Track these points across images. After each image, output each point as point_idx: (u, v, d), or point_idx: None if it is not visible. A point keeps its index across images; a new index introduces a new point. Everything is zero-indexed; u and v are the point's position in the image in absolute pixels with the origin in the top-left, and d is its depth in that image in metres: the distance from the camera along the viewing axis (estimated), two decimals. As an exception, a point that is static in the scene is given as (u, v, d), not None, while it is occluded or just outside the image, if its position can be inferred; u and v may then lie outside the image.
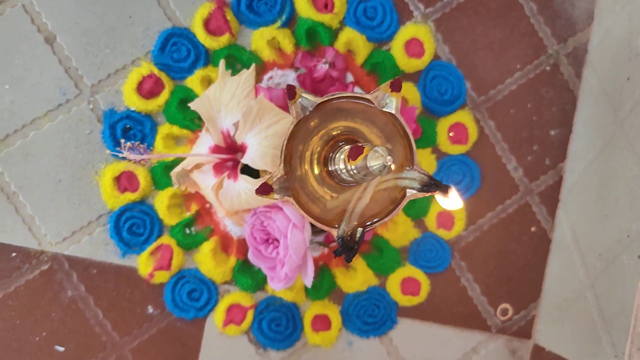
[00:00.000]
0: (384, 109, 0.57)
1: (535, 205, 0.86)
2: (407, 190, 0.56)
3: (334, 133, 0.58)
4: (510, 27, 0.84)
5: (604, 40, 0.84)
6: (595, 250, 0.77)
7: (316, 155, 0.57)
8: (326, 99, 0.56)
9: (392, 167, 0.48)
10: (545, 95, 0.85)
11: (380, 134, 0.58)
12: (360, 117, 0.58)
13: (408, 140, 0.57)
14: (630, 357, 0.69)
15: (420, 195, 0.56)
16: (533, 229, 0.86)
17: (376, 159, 0.46)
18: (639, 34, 0.76)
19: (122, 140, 0.69)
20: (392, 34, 0.82)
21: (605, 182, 0.78)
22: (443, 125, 0.83)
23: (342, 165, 0.54)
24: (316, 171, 0.57)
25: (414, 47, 0.82)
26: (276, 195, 0.56)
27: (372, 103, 0.57)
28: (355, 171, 0.51)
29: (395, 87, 0.56)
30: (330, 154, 0.57)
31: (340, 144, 0.57)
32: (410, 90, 0.82)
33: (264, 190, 0.56)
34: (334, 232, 0.56)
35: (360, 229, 0.56)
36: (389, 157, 0.46)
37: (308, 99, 0.56)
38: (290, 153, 0.57)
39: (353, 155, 0.50)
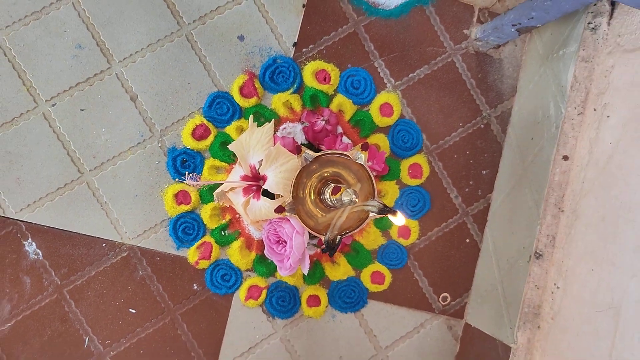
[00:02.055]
0: (357, 161, 0.91)
1: (469, 224, 1.19)
2: (370, 212, 0.90)
3: (326, 174, 0.92)
4: (456, 96, 1.18)
5: (521, 108, 1.18)
6: (505, 256, 1.11)
7: (313, 188, 0.91)
8: (320, 154, 0.90)
9: (357, 201, 0.82)
10: (480, 146, 1.19)
11: (354, 177, 0.92)
12: (342, 165, 0.92)
13: (371, 181, 0.91)
14: (519, 328, 1.02)
15: (378, 216, 0.90)
16: (467, 240, 1.19)
17: (347, 195, 0.80)
18: (540, 108, 1.10)
19: (187, 172, 1.03)
20: (371, 99, 1.15)
21: (514, 209, 1.11)
22: (405, 165, 1.17)
23: (328, 196, 0.88)
24: (312, 198, 0.91)
25: (386, 109, 1.16)
26: (287, 213, 0.90)
27: (350, 157, 0.91)
28: (335, 201, 0.85)
29: (364, 148, 0.91)
30: (322, 188, 0.91)
31: (329, 182, 0.91)
32: (382, 140, 1.16)
33: (280, 210, 0.90)
34: (323, 238, 0.90)
35: (339, 236, 0.90)
36: (354, 196, 0.80)
37: (309, 154, 0.90)
38: (297, 186, 0.90)
39: (334, 191, 0.84)
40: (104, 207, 1.08)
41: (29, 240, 1.06)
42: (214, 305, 1.12)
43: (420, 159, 1.17)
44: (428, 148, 1.18)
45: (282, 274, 1.09)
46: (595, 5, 1.01)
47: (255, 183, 1.07)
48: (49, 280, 1.06)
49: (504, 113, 1.20)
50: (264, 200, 1.04)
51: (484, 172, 1.19)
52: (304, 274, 1.13)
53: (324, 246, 0.93)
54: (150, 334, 1.10)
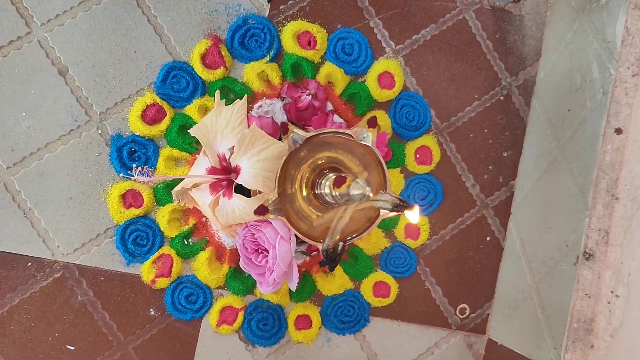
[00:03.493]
0: (362, 142, 0.68)
1: (490, 218, 0.97)
2: (381, 210, 0.67)
3: (320, 162, 0.68)
4: (469, 62, 0.96)
5: (549, 75, 0.96)
6: (540, 257, 0.89)
7: (305, 181, 0.68)
8: (314, 134, 0.67)
9: (370, 195, 0.59)
10: (500, 122, 0.97)
11: (358, 163, 0.69)
12: (342, 149, 0.69)
13: (382, 168, 0.68)
14: (567, 348, 0.81)
15: (392, 214, 0.67)
16: (488, 238, 0.98)
17: (357, 189, 0.57)
18: (578, 71, 0.89)
19: (134, 165, 0.79)
20: (367, 68, 0.92)
21: (549, 198, 0.90)
22: (410, 148, 0.94)
23: (327, 190, 0.65)
24: (304, 193, 0.68)
25: (385, 80, 0.93)
26: (271, 216, 0.66)
27: (352, 137, 0.68)
28: (339, 196, 0.62)
29: (372, 124, 0.67)
30: (317, 180, 0.68)
31: (325, 171, 0.68)
32: (382, 117, 0.93)
33: (261, 211, 0.66)
34: (319, 246, 0.67)
35: (341, 243, 0.67)
36: (367, 188, 0.57)
37: (298, 134, 0.66)
38: (284, 177, 0.67)
39: (337, 183, 0.61)
40: (27, 214, 0.83)
41: None
42: (177, 334, 0.88)
43: (429, 140, 0.94)
44: (438, 127, 0.95)
45: (263, 291, 0.85)
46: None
47: (226, 177, 0.83)
48: (-43, 313, 0.81)
49: (527, 81, 0.98)
50: (238, 198, 0.81)
51: (505, 154, 0.97)
52: (290, 290, 0.90)
53: (318, 254, 0.70)
54: (96, 376, 0.85)
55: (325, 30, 0.91)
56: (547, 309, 0.85)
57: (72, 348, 0.84)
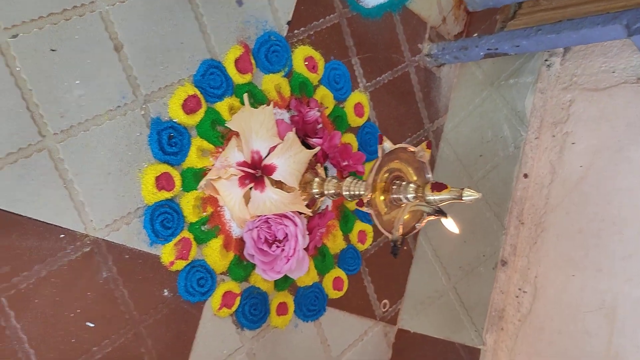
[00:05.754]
0: (419, 159, 0.87)
1: (408, 231, 1.22)
2: (425, 213, 0.87)
3: (388, 168, 0.85)
4: (407, 106, 1.21)
5: (457, 126, 1.26)
6: (455, 264, 1.17)
7: (382, 183, 0.84)
8: (397, 146, 0.84)
9: (445, 197, 0.79)
10: (422, 156, 1.23)
11: (414, 172, 0.87)
12: (404, 161, 0.87)
13: (426, 180, 0.88)
14: (487, 330, 1.09)
15: (432, 218, 0.87)
16: (405, 247, 1.22)
17: (469, 196, 0.77)
18: (489, 128, 1.20)
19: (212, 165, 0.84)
20: (346, 97, 1.11)
21: (464, 220, 1.19)
22: (367, 168, 1.14)
23: (411, 195, 0.82)
24: (382, 197, 0.84)
25: (359, 109, 1.12)
26: (366, 208, 0.81)
27: (414, 153, 0.86)
28: (434, 199, 0.80)
29: (429, 146, 0.87)
30: (392, 186, 0.84)
31: (395, 180, 0.85)
32: (352, 140, 1.12)
33: (360, 204, 0.81)
34: (390, 236, 0.84)
35: (402, 237, 0.85)
36: (480, 194, 0.77)
37: (388, 145, 0.83)
38: (376, 180, 0.82)
39: (437, 188, 0.79)
40: (67, 185, 0.80)
41: (-41, 224, 0.72)
42: (183, 315, 0.92)
43: (379, 163, 1.16)
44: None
45: (268, 277, 0.97)
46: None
47: (253, 171, 0.93)
48: (-17, 283, 0.74)
49: (439, 129, 1.27)
50: (273, 192, 0.92)
51: (422, 182, 1.24)
52: (275, 280, 1.01)
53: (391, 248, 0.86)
54: (108, 355, 0.84)
55: (323, 59, 1.07)
56: (466, 303, 1.13)
57: (92, 325, 0.83)
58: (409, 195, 0.83)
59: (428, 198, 0.81)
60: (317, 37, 1.06)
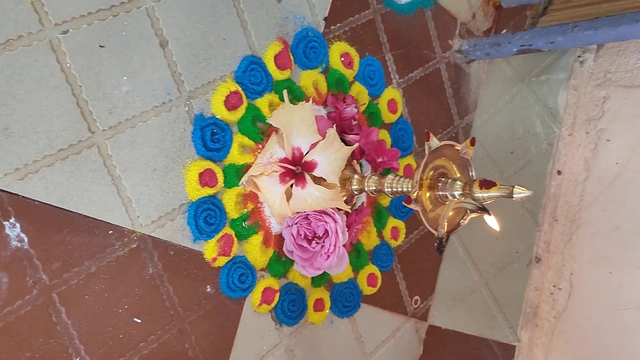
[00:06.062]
0: (463, 155, 0.87)
1: (439, 228, 1.22)
2: (467, 210, 0.87)
3: (433, 165, 0.85)
4: (438, 102, 1.21)
5: (486, 123, 1.26)
6: (487, 261, 1.17)
7: (428, 180, 0.84)
8: (443, 143, 0.84)
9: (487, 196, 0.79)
10: (453, 153, 1.23)
11: (457, 169, 0.87)
12: (449, 158, 0.86)
13: (470, 177, 0.88)
14: (521, 327, 1.10)
15: (475, 215, 0.87)
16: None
17: (519, 193, 0.76)
18: (519, 125, 1.20)
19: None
20: (380, 93, 1.10)
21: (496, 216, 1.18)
22: (401, 165, 1.14)
23: (458, 192, 0.82)
24: (427, 194, 0.84)
25: (392, 105, 1.12)
26: (413, 205, 0.81)
27: (459, 150, 0.86)
28: (482, 196, 0.80)
29: (472, 143, 0.87)
30: (437, 183, 0.84)
31: (440, 178, 0.85)
32: (386, 136, 1.11)
33: (408, 201, 0.81)
34: (436, 233, 0.84)
35: (447, 234, 0.85)
36: (531, 191, 0.76)
37: (434, 142, 0.83)
38: (422, 177, 0.82)
39: (486, 185, 0.79)
40: (115, 181, 0.80)
41: (12, 219, 0.72)
42: (225, 311, 0.92)
43: (411, 160, 1.16)
44: (416, 150, 1.18)
45: (308, 273, 0.97)
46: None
47: (293, 168, 0.93)
48: (35, 278, 0.74)
49: (468, 125, 1.27)
50: (315, 189, 0.92)
51: (453, 179, 1.24)
52: (313, 276, 1.01)
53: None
54: (154, 351, 0.84)
55: (358, 55, 1.07)
56: (500, 299, 1.13)
57: (139, 321, 0.83)
58: (456, 193, 0.83)
59: (476, 195, 0.81)
60: (352, 33, 1.06)
